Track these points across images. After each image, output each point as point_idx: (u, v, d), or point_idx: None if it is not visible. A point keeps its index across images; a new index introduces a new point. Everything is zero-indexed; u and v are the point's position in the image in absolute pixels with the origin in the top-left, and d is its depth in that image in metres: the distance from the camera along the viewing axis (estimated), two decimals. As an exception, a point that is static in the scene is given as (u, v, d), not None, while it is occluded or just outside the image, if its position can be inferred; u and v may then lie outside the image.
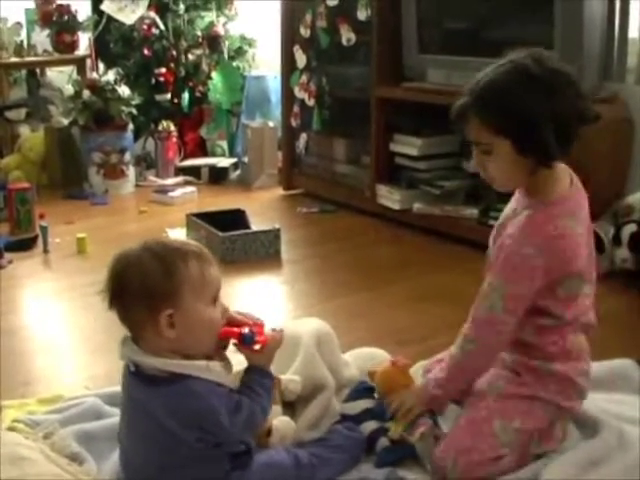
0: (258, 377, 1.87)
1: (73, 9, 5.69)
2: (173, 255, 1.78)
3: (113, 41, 5.69)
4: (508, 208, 2.12)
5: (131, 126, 5.34)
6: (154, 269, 1.76)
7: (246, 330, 1.85)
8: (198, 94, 5.76)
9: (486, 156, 1.97)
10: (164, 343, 1.77)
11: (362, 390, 2.29)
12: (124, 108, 5.23)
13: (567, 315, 2.01)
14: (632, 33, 3.73)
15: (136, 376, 1.80)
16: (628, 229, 3.43)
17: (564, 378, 2.04)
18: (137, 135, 5.57)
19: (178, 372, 1.75)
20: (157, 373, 1.77)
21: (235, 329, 1.86)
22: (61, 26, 5.66)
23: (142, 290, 1.75)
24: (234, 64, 5.76)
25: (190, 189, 5.17)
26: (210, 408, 1.74)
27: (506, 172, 1.97)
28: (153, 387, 1.76)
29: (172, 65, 5.65)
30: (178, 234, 4.11)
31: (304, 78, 4.97)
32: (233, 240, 3.86)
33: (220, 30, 5.72)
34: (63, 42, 5.71)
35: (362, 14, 4.45)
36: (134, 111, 5.31)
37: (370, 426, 2.14)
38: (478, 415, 2.03)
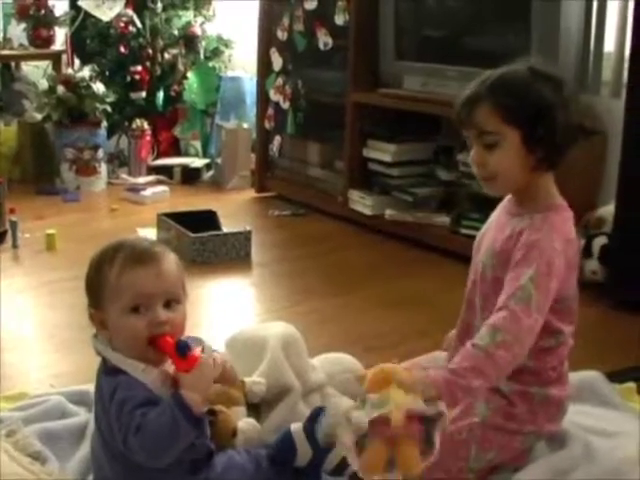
0: (169, 398, 1.70)
1: (50, 4, 5.65)
2: (105, 256, 1.80)
3: (89, 37, 5.66)
4: (493, 217, 2.08)
5: (105, 123, 5.31)
6: (90, 267, 1.82)
7: (182, 340, 1.72)
8: (173, 93, 5.74)
9: (489, 149, 1.91)
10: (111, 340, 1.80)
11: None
12: (98, 105, 5.21)
13: (565, 330, 1.97)
14: (608, 47, 3.75)
15: (102, 365, 1.83)
16: (599, 241, 3.44)
17: (556, 403, 2.02)
18: (111, 132, 5.54)
19: (119, 366, 1.76)
20: (109, 364, 1.79)
21: (170, 340, 1.72)
22: (38, 20, 5.61)
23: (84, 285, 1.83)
24: (210, 64, 5.74)
25: (162, 188, 5.14)
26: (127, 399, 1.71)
27: (509, 167, 1.91)
28: (104, 376, 1.79)
29: (148, 63, 5.63)
30: (148, 234, 4.08)
31: (280, 81, 4.97)
32: (204, 241, 3.84)
33: (197, 30, 5.70)
34: (39, 37, 5.65)
35: (340, 19, 4.45)
36: (108, 108, 5.29)
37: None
38: (459, 435, 1.94)
